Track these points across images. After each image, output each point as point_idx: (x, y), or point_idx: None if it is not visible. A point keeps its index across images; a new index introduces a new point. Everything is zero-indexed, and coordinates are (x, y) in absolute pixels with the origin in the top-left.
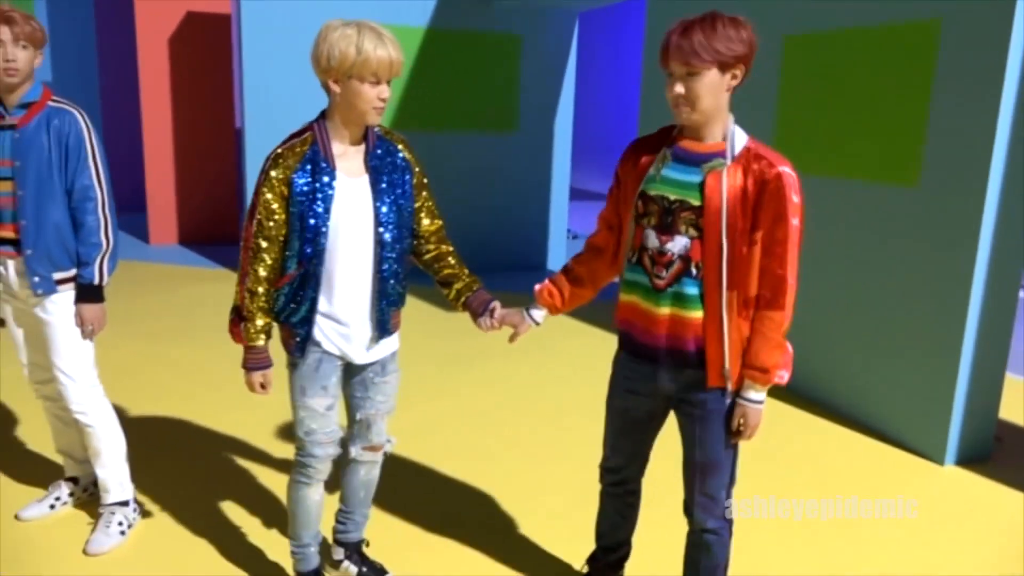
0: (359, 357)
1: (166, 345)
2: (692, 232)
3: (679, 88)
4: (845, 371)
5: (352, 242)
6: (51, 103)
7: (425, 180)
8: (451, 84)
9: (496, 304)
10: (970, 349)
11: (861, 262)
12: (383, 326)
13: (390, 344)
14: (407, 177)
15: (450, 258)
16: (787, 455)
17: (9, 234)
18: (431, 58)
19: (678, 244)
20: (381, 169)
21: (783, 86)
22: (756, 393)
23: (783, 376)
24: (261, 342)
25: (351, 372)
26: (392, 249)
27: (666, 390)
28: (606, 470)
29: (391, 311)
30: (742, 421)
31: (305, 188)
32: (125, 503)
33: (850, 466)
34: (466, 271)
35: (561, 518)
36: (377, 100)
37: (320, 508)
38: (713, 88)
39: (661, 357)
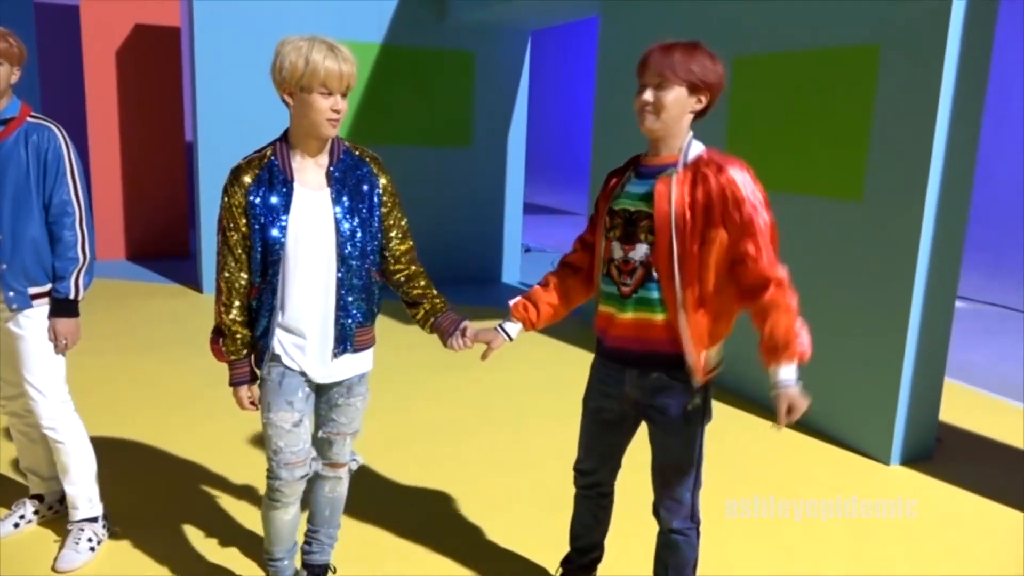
0: (318, 375)
1: (126, 360)
2: (650, 238)
3: (648, 96)
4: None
5: (311, 255)
6: (30, 119)
7: (397, 200)
8: (405, 99)
9: (467, 323)
10: (912, 355)
11: (810, 273)
12: (344, 343)
13: (357, 364)
14: (374, 192)
15: (420, 279)
16: (739, 457)
17: None
18: (386, 73)
19: (639, 252)
20: (344, 182)
21: (733, 105)
22: (787, 372)
23: (805, 348)
24: (241, 356)
25: (320, 390)
26: (352, 263)
27: (633, 394)
28: (579, 472)
29: (355, 328)
30: (788, 406)
31: (259, 201)
32: (94, 519)
33: (801, 468)
34: (434, 292)
35: (536, 523)
36: (330, 112)
37: (294, 525)
38: (679, 103)
39: (629, 360)
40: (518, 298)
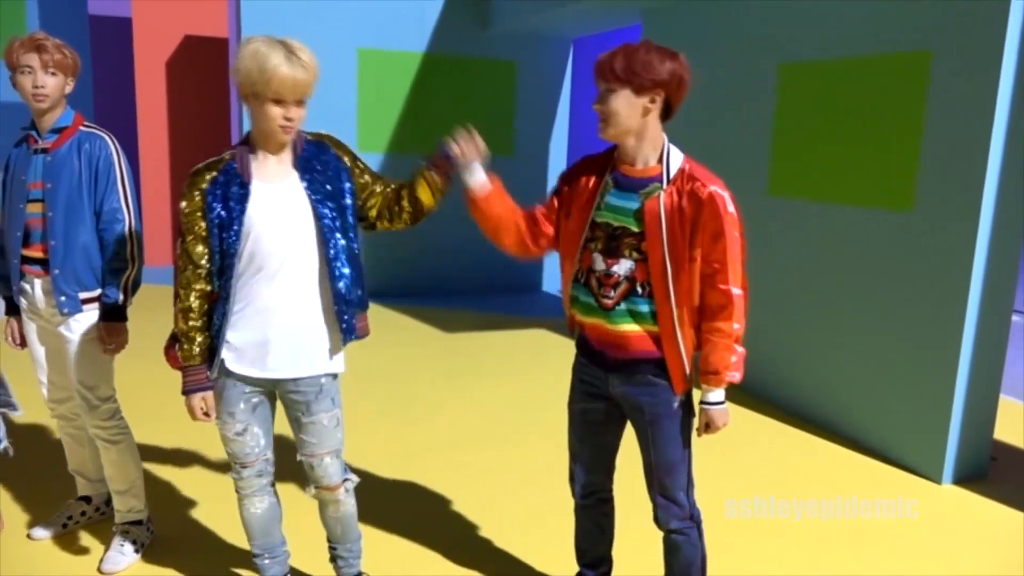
0: (277, 372)
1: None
2: (635, 255)
3: (598, 104)
4: (844, 393)
5: (285, 246)
6: (83, 128)
7: (360, 164)
8: (447, 108)
9: (449, 146)
10: (965, 371)
11: (858, 286)
12: (348, 320)
13: (312, 365)
14: (341, 172)
15: (402, 189)
16: (789, 474)
17: (38, 254)
18: (428, 83)
19: (623, 267)
20: (311, 167)
21: (778, 113)
22: (714, 395)
23: (735, 376)
24: (196, 361)
25: (284, 404)
26: (335, 243)
27: (616, 394)
28: (573, 479)
29: (356, 306)
30: (707, 424)
31: (217, 204)
32: (139, 522)
33: (852, 486)
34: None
35: (557, 537)
36: (282, 119)
37: (264, 522)
38: (628, 108)
39: (612, 366)
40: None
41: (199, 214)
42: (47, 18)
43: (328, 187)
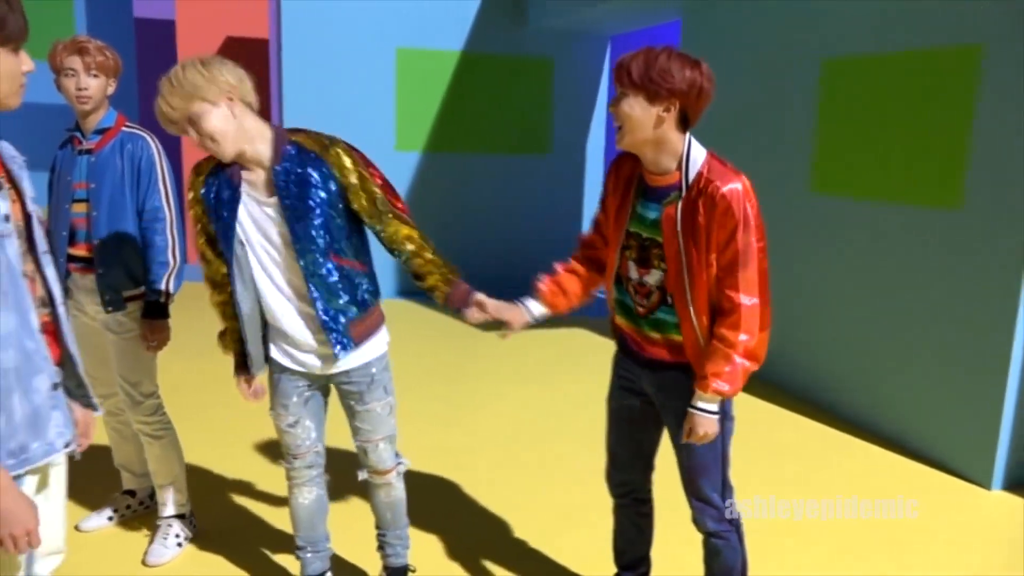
0: (316, 368)
1: (214, 361)
2: (662, 265)
3: (612, 106)
4: (890, 395)
5: (266, 255)
6: (125, 128)
7: (366, 185)
8: (484, 107)
9: (481, 296)
10: (1016, 373)
11: (905, 285)
12: (336, 336)
13: (356, 358)
14: (328, 188)
15: (419, 257)
16: (834, 476)
17: (82, 252)
18: (465, 81)
19: (654, 277)
20: (287, 189)
21: (822, 109)
22: (703, 402)
23: (723, 387)
24: (230, 349)
25: (339, 394)
26: (313, 258)
27: (650, 392)
28: (611, 478)
29: (343, 320)
30: (688, 428)
31: (212, 199)
32: (182, 516)
33: (898, 490)
34: (439, 262)
35: (596, 538)
36: (200, 144)
37: (310, 513)
38: (641, 115)
39: (647, 364)
40: (547, 280)
41: (201, 207)
42: (94, 22)
43: (304, 206)
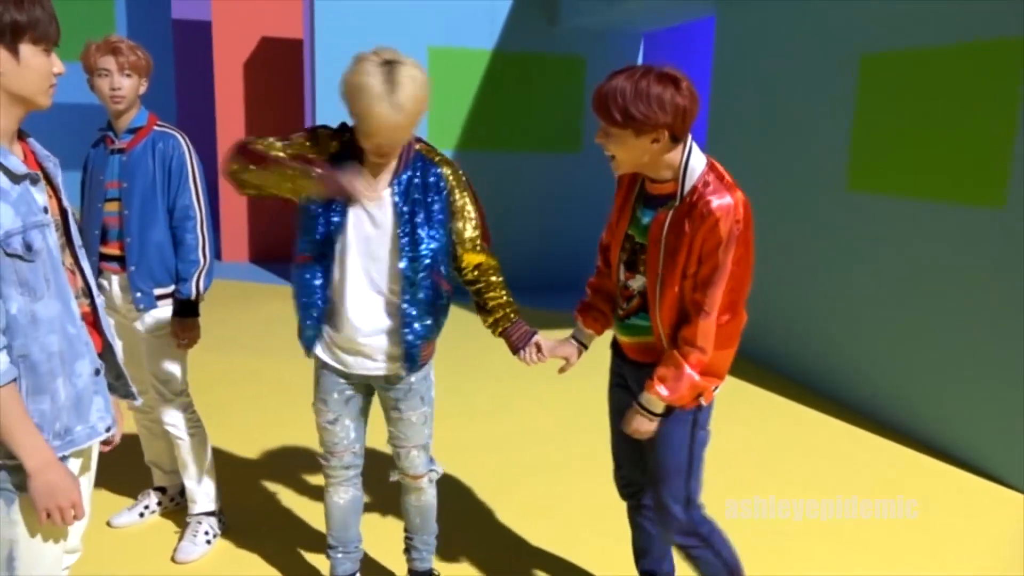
0: (355, 368)
1: (245, 359)
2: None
3: (601, 139)
4: (924, 394)
5: (361, 255)
6: (156, 128)
7: (465, 199)
8: (516, 105)
9: (539, 337)
10: None
11: (943, 284)
12: (409, 353)
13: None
14: (440, 195)
15: (494, 291)
16: (867, 477)
17: (115, 251)
18: (496, 80)
19: (638, 282)
20: (409, 194)
21: (859, 106)
22: (644, 399)
23: (662, 391)
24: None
25: (380, 399)
26: (409, 274)
27: (634, 390)
28: (616, 479)
29: (420, 342)
30: (626, 419)
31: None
32: (211, 513)
33: (932, 494)
34: (505, 297)
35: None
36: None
37: (344, 513)
38: (632, 148)
39: (629, 361)
40: (579, 311)
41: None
42: (134, 24)
43: (425, 212)
